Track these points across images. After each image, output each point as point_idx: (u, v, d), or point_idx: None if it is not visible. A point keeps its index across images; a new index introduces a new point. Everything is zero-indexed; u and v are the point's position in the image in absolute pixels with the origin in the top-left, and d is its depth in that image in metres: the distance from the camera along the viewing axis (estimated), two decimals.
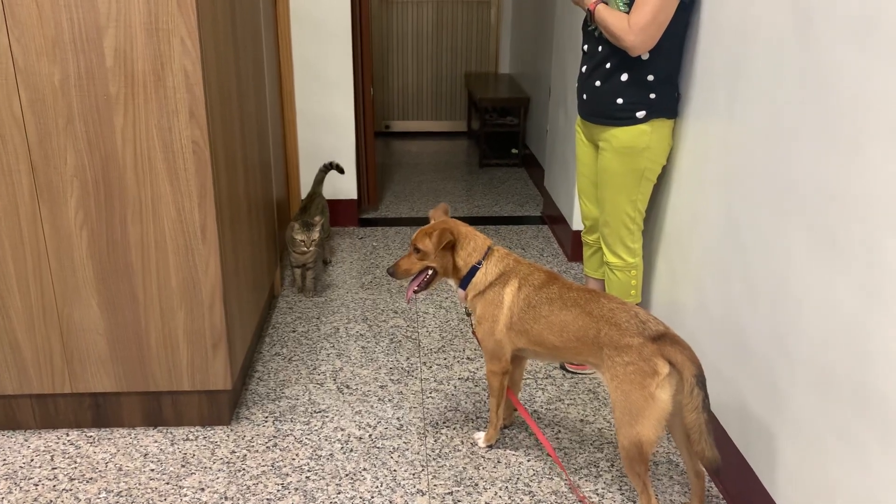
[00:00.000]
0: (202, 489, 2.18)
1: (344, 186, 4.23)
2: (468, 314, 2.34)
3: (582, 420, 2.54)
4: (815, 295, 1.74)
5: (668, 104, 2.50)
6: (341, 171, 3.81)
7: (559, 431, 2.48)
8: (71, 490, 2.17)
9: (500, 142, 5.90)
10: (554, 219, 4.27)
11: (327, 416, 2.53)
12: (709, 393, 1.85)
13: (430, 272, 2.25)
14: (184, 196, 2.17)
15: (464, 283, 2.25)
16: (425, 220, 4.43)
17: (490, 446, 2.38)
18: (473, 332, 2.32)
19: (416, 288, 2.27)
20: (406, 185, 5.12)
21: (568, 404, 2.63)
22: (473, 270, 2.23)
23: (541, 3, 4.99)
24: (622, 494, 2.20)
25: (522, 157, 5.61)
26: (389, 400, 2.63)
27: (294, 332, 3.10)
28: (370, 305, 3.33)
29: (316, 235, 3.23)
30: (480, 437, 2.40)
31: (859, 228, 1.58)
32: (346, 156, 4.17)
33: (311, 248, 3.24)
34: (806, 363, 1.79)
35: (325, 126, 4.10)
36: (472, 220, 4.40)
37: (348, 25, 3.98)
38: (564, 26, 3.97)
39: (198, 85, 2.08)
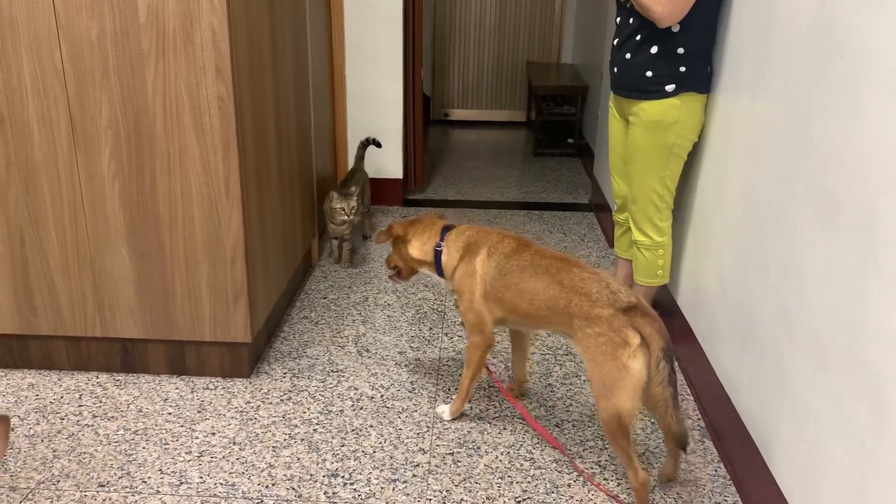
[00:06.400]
0: (213, 434, 2.27)
1: (389, 166, 4.28)
2: (457, 305, 2.34)
3: None
4: (818, 265, 1.68)
5: (699, 78, 2.45)
6: (378, 144, 3.86)
7: (570, 405, 2.46)
8: (92, 426, 2.29)
9: (557, 131, 5.87)
10: (600, 206, 4.22)
11: (343, 376, 2.59)
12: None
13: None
14: (209, 150, 2.26)
15: (438, 270, 2.29)
16: (471, 203, 4.45)
17: (454, 419, 2.36)
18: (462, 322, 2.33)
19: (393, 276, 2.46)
20: (457, 170, 5.15)
21: (584, 380, 2.60)
22: (439, 255, 2.27)
23: None
24: (623, 468, 2.17)
25: (578, 148, 5.56)
26: (406, 365, 2.67)
27: (324, 298, 3.17)
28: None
29: (354, 204, 3.29)
30: (445, 409, 2.37)
31: (858, 191, 1.52)
32: (394, 136, 4.22)
33: (350, 217, 3.30)
34: (806, 336, 1.73)
35: (374, 105, 4.16)
36: (518, 206, 4.42)
37: (400, 7, 4.03)
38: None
39: (224, 42, 2.16)
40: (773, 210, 1.96)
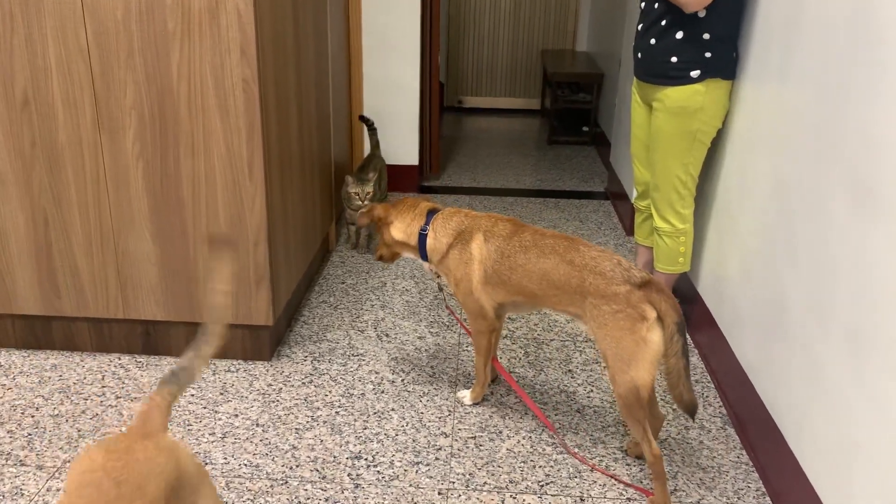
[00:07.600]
0: (236, 415, 2.27)
1: (406, 153, 4.27)
2: (440, 288, 2.31)
3: None
4: (852, 252, 1.67)
5: (724, 64, 2.43)
6: (369, 123, 3.84)
7: (591, 391, 2.46)
8: (115, 406, 2.30)
9: (572, 119, 5.84)
10: (617, 195, 4.21)
11: (364, 360, 2.59)
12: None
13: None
14: (233, 132, 2.26)
15: (422, 254, 2.26)
16: (486, 191, 4.44)
17: (476, 404, 2.37)
18: (447, 306, 2.32)
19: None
20: (472, 157, 5.14)
21: (604, 367, 2.60)
22: (424, 239, 2.24)
23: None
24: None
25: (593, 136, 5.54)
26: (426, 350, 2.67)
27: (343, 283, 3.18)
28: (419, 265, 3.37)
29: (369, 189, 3.29)
30: (466, 395, 2.37)
31: (894, 177, 1.51)
32: (410, 123, 4.21)
33: (364, 202, 3.30)
34: (840, 324, 1.72)
35: (390, 91, 4.15)
36: (533, 193, 4.41)
37: None
38: None
39: (250, 24, 2.15)
40: (803, 197, 1.95)
